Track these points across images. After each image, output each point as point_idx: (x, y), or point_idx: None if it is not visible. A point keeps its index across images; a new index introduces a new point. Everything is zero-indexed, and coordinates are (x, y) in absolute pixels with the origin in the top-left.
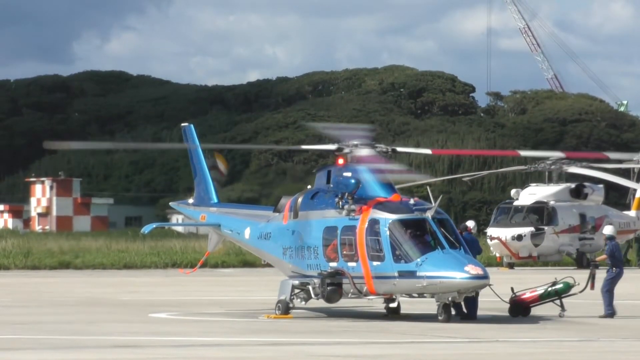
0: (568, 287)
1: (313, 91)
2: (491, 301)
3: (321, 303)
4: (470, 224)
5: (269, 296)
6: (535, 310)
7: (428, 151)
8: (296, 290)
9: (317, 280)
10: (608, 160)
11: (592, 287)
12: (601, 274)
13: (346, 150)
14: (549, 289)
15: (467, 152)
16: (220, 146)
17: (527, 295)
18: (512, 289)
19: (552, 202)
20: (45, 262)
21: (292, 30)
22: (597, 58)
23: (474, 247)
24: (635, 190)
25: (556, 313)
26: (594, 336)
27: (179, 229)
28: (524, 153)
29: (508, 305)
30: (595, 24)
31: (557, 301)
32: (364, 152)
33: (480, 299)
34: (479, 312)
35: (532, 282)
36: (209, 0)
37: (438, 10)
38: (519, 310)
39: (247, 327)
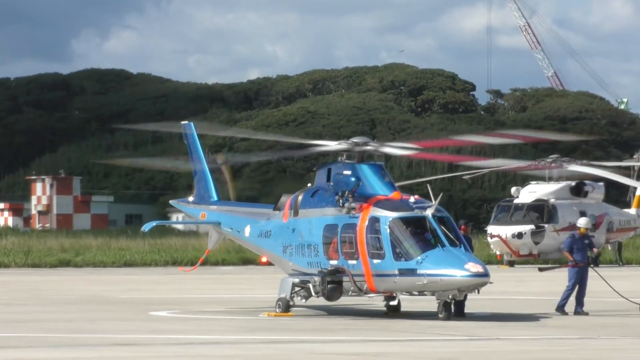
0: None
1: (313, 89)
2: (490, 299)
3: (321, 301)
4: (583, 221)
5: (269, 294)
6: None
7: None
8: (296, 288)
9: (317, 278)
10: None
11: None
12: None
13: (347, 148)
14: None
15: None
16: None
17: None
18: None
19: (552, 200)
20: (46, 260)
21: (292, 28)
22: (597, 56)
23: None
24: (635, 188)
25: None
26: (594, 334)
27: (179, 227)
28: None
29: None
30: (595, 21)
31: None
32: (365, 150)
33: (480, 296)
34: (479, 310)
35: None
36: None
37: (438, 8)
38: None
39: (247, 325)
